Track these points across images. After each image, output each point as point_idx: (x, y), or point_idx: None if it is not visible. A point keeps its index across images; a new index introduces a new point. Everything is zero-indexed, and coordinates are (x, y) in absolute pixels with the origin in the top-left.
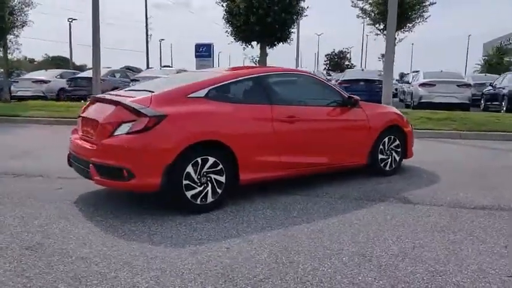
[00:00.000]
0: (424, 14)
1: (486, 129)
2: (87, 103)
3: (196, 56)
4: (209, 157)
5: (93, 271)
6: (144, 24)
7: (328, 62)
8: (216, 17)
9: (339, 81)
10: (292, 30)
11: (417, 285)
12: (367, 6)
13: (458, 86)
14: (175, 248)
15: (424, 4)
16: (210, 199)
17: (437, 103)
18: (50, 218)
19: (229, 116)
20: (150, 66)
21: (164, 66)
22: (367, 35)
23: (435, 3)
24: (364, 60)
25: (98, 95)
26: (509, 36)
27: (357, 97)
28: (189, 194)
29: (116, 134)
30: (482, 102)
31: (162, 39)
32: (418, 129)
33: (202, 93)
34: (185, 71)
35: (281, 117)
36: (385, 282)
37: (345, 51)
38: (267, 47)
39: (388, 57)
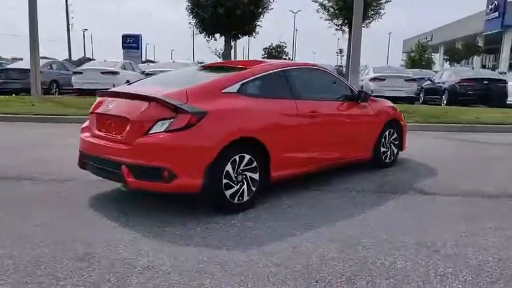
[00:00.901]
0: (380, 11)
1: (442, 121)
2: (99, 99)
3: (123, 47)
4: (245, 155)
5: (173, 281)
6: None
7: (266, 55)
8: (141, 8)
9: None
10: (258, 24)
11: (498, 273)
12: (325, 2)
13: (405, 80)
14: (240, 250)
15: (380, 2)
16: (245, 198)
17: (387, 97)
18: (76, 225)
19: (261, 112)
20: (71, 57)
21: (86, 59)
22: (296, 29)
23: (390, 1)
24: (294, 54)
25: (114, 90)
26: (427, 34)
27: (368, 92)
28: (227, 193)
29: (151, 132)
30: (421, 95)
31: (85, 29)
32: None
33: (235, 88)
34: (130, 63)
35: (304, 112)
36: (468, 272)
37: (283, 45)
38: (231, 40)
39: (355, 51)
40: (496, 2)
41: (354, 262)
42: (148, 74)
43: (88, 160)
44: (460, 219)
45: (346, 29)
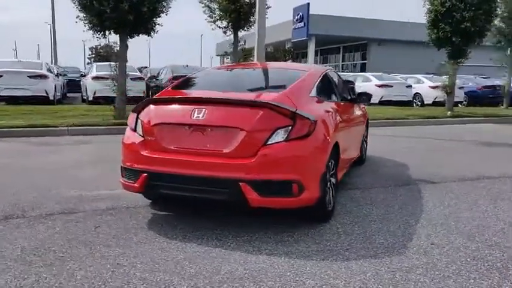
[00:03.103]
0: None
1: None
2: (157, 107)
3: None
4: (332, 160)
5: None
6: None
7: (94, 55)
8: None
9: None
10: (157, 22)
11: None
12: (209, 3)
13: None
14: (397, 260)
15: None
16: (332, 204)
17: None
18: (189, 260)
19: (336, 115)
20: None
21: None
22: (84, 31)
23: (270, 7)
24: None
25: (189, 96)
26: (240, 38)
27: (370, 94)
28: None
29: (270, 142)
30: None
31: None
32: None
33: (314, 91)
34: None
35: (345, 113)
36: None
37: (113, 45)
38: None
39: (259, 51)
40: (301, 13)
41: (492, 255)
42: None
43: (165, 182)
44: (502, 201)
45: (229, 32)
